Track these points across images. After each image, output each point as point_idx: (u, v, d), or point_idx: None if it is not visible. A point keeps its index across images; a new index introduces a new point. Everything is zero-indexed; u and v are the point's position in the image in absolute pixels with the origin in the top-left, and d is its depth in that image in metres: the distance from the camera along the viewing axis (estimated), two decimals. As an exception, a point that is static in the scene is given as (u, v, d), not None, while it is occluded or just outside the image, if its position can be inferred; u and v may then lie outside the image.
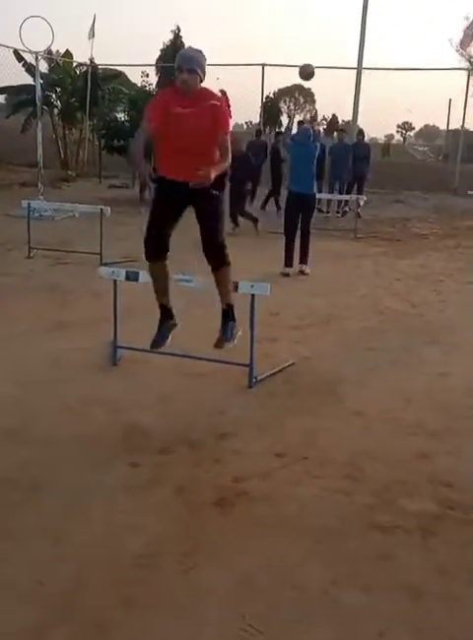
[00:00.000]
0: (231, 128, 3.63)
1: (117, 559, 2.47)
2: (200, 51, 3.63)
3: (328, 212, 13.47)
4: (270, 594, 2.31)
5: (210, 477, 3.08)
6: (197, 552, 2.53)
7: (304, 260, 7.89)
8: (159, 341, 4.00)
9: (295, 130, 9.24)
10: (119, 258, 7.84)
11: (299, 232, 7.84)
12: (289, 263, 7.80)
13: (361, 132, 14.62)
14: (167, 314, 4.07)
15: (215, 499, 2.88)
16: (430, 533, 2.71)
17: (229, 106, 3.63)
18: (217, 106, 3.57)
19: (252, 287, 4.17)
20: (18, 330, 5.17)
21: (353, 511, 2.86)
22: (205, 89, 3.59)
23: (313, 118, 17.07)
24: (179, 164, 3.58)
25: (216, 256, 3.80)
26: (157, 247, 3.82)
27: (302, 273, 7.81)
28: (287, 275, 7.65)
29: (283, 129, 17.99)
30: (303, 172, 7.65)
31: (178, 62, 3.54)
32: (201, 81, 3.55)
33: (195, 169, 3.42)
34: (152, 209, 3.82)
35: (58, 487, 2.93)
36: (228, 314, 4.03)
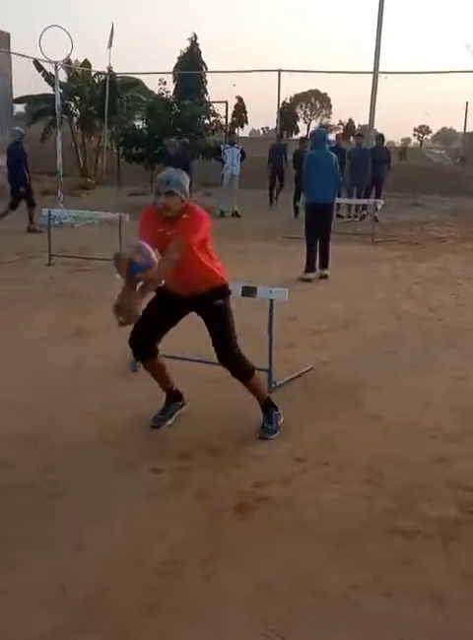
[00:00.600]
0: (195, 241, 3.45)
1: (140, 565, 2.48)
2: (179, 171, 3.53)
3: (349, 216, 13.45)
4: (291, 599, 2.31)
5: (230, 482, 3.09)
6: (218, 558, 2.54)
7: (324, 264, 7.91)
8: (159, 420, 3.69)
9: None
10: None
11: (319, 238, 7.84)
12: (310, 269, 7.80)
13: (381, 136, 14.58)
14: (173, 397, 3.81)
15: (235, 504, 2.89)
16: (451, 538, 2.69)
17: (201, 217, 3.49)
18: (184, 220, 3.38)
19: (270, 292, 4.18)
20: (38, 337, 5.24)
21: (373, 516, 2.86)
22: (185, 206, 3.48)
23: (324, 126, 17.05)
24: (172, 279, 3.45)
25: (232, 367, 3.62)
26: (144, 350, 3.63)
27: (324, 277, 7.83)
28: (308, 280, 7.66)
29: (308, 134, 18.00)
30: (321, 181, 7.61)
31: (157, 186, 3.42)
32: (182, 201, 3.45)
33: (187, 283, 3.42)
34: (144, 312, 3.46)
35: (80, 493, 2.96)
36: (267, 408, 3.74)
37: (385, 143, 15.36)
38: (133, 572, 2.45)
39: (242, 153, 13.72)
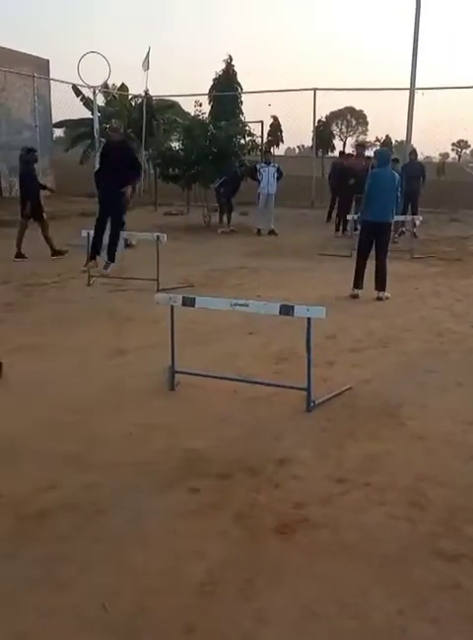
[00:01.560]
0: None
1: (180, 586, 2.47)
2: None
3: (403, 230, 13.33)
4: (334, 623, 2.27)
5: (270, 502, 3.05)
6: (259, 580, 2.51)
7: (381, 287, 7.62)
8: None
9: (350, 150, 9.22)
10: (176, 284, 7.97)
11: (375, 259, 7.65)
12: (358, 285, 7.70)
13: (413, 152, 14.47)
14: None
15: (275, 525, 2.85)
16: (499, 562, 2.61)
17: None
18: None
19: (308, 310, 4.15)
20: (79, 356, 5.30)
21: (417, 538, 2.79)
22: None
23: (361, 144, 16.90)
24: None
25: None
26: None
27: (379, 299, 7.54)
28: (356, 297, 7.57)
29: (344, 148, 18.10)
30: (382, 200, 7.49)
31: None
32: None
33: None
34: None
35: (120, 512, 2.97)
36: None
37: (421, 158, 15.28)
38: (173, 593, 2.43)
39: (279, 171, 13.78)
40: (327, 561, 2.62)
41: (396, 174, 7.75)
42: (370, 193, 7.74)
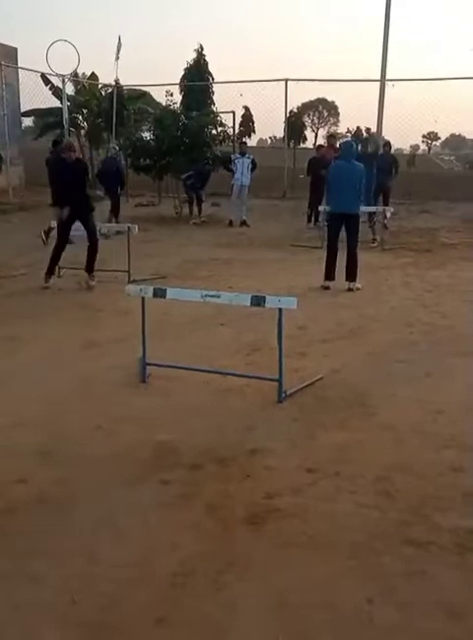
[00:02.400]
0: None
1: (151, 578, 2.47)
2: None
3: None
4: (304, 612, 2.29)
5: (241, 493, 3.06)
6: (230, 571, 2.52)
7: (352, 277, 7.66)
8: None
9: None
10: (147, 275, 7.92)
11: (346, 250, 7.70)
12: (329, 276, 7.73)
13: (387, 144, 14.54)
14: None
15: (247, 516, 2.86)
16: (467, 549, 2.65)
17: None
18: None
19: (279, 300, 4.16)
20: (49, 348, 5.25)
21: (386, 527, 2.82)
22: None
23: (332, 136, 16.88)
24: None
25: None
26: None
27: (350, 290, 7.57)
28: (327, 288, 7.60)
29: (315, 142, 18.07)
30: (346, 192, 7.53)
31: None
32: None
33: None
34: None
35: (91, 506, 2.95)
36: None
37: (393, 150, 15.33)
38: (144, 585, 2.43)
39: (253, 163, 13.74)
40: (297, 551, 2.64)
41: (359, 165, 7.73)
42: (332, 185, 7.86)
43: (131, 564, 2.56)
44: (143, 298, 4.44)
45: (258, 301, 4.21)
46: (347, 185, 7.55)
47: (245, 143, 15.90)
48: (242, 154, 13.88)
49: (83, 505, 2.96)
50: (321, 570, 2.52)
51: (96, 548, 2.64)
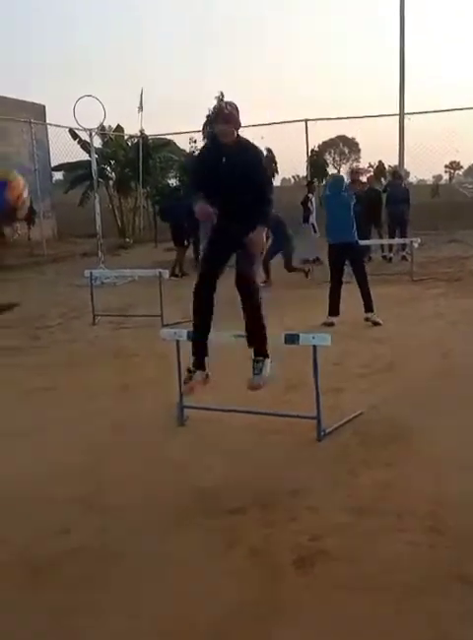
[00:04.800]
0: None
1: (195, 630, 2.40)
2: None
3: (391, 256, 13.35)
4: (358, 660, 2.20)
5: (285, 536, 3.00)
6: (277, 618, 2.44)
7: (369, 308, 7.63)
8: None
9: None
10: (180, 318, 7.96)
11: (356, 283, 7.72)
12: (334, 312, 7.69)
13: (395, 174, 14.47)
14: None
15: (292, 560, 2.79)
16: None
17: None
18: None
19: (313, 338, 4.15)
20: (85, 395, 5.28)
21: (438, 565, 2.72)
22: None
23: (355, 171, 16.75)
24: None
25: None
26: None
27: (371, 322, 7.51)
28: (331, 324, 7.44)
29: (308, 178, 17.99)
30: (339, 222, 7.64)
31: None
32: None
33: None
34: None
35: (134, 556, 2.91)
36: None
37: (416, 181, 15.38)
38: (188, 637, 2.37)
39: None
40: (347, 595, 2.55)
41: (347, 197, 7.70)
42: (327, 218, 8.02)
43: (174, 617, 2.49)
44: (177, 341, 4.46)
45: (292, 340, 4.20)
46: (339, 216, 7.64)
47: (312, 183, 15.66)
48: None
49: (125, 556, 2.91)
50: (374, 615, 2.43)
51: (138, 602, 2.59)
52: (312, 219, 13.58)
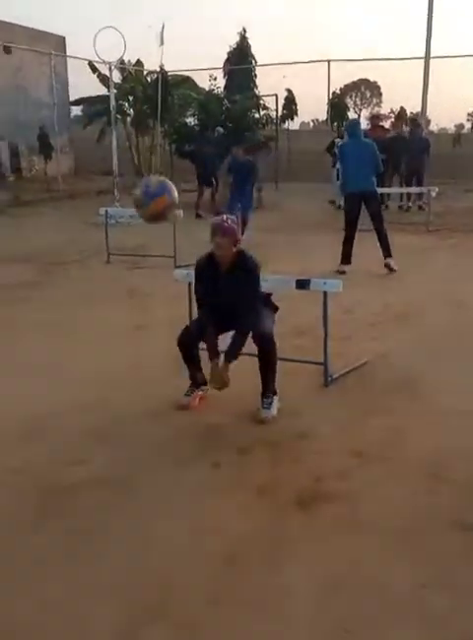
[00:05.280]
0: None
1: (205, 559, 2.52)
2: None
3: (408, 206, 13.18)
4: (355, 595, 2.31)
5: (290, 477, 3.10)
6: (281, 553, 2.56)
7: (388, 253, 7.59)
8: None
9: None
10: (193, 260, 7.98)
11: (374, 228, 7.67)
12: (346, 260, 7.66)
13: (414, 121, 14.13)
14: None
15: (296, 500, 2.90)
16: None
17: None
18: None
19: (324, 283, 4.16)
20: (100, 333, 5.37)
21: (438, 511, 2.82)
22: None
23: (375, 116, 16.39)
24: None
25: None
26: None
27: (389, 268, 7.52)
28: (343, 273, 7.43)
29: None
30: (358, 171, 7.47)
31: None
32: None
33: None
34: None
35: (145, 487, 3.04)
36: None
37: (437, 129, 15.04)
38: (197, 566, 2.49)
39: None
40: (348, 535, 2.66)
41: (370, 143, 7.65)
42: (344, 166, 7.82)
43: (185, 545, 2.62)
44: (190, 283, 4.49)
45: (303, 285, 4.21)
46: (359, 163, 7.47)
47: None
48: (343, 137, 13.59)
49: (137, 487, 3.04)
50: (373, 554, 2.53)
51: (150, 530, 2.72)
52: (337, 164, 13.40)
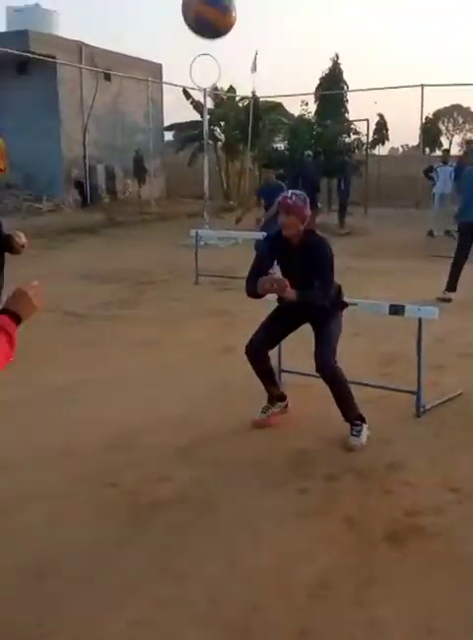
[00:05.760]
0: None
1: (291, 587, 2.46)
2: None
3: None
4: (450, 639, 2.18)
5: (380, 508, 2.99)
6: (371, 587, 2.46)
7: None
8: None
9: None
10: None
11: None
12: (452, 287, 7.38)
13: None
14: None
15: (387, 533, 2.79)
16: None
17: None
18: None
19: (419, 310, 4.04)
20: (188, 353, 5.43)
21: None
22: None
23: (469, 142, 15.88)
24: None
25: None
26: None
27: None
28: (448, 300, 7.20)
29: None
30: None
31: None
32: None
33: None
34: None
35: (230, 508, 3.01)
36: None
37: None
38: (284, 593, 2.43)
39: (456, 171, 13.06)
40: (443, 574, 2.52)
41: None
42: (465, 193, 7.45)
43: (270, 570, 2.57)
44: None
45: (397, 310, 4.10)
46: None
47: (448, 151, 15.15)
48: (444, 162, 13.34)
49: (222, 507, 3.02)
50: (470, 597, 2.39)
51: (235, 551, 2.69)
52: (435, 189, 13.11)
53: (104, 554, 2.69)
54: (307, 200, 3.66)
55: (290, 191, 3.77)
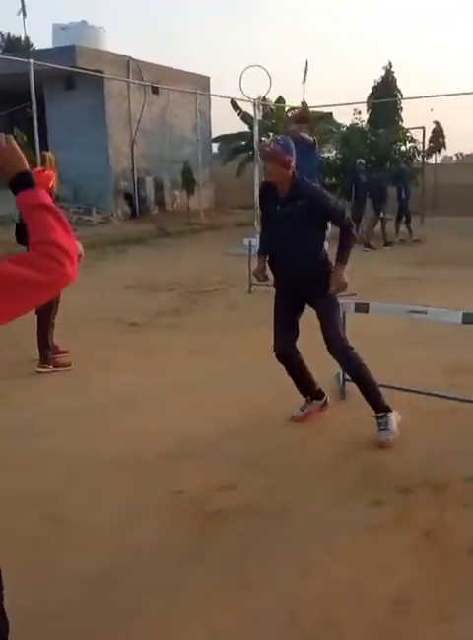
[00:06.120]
0: None
1: (370, 601, 2.37)
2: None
3: None
4: None
5: (460, 522, 2.86)
6: (453, 603, 2.35)
7: None
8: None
9: None
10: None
11: None
12: None
13: None
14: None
15: (468, 548, 2.66)
16: None
17: None
18: None
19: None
20: (248, 360, 5.37)
21: None
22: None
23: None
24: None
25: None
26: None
27: None
28: None
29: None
30: None
31: None
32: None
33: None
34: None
35: (302, 517, 2.92)
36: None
37: None
38: (363, 607, 2.34)
39: None
40: None
41: None
42: None
43: (347, 583, 2.48)
44: (343, 313, 4.37)
45: (471, 319, 3.95)
46: None
47: None
48: None
49: (294, 516, 2.94)
50: None
51: (310, 561, 2.60)
52: None
53: (176, 562, 2.64)
54: (291, 146, 3.64)
55: (278, 137, 3.82)
